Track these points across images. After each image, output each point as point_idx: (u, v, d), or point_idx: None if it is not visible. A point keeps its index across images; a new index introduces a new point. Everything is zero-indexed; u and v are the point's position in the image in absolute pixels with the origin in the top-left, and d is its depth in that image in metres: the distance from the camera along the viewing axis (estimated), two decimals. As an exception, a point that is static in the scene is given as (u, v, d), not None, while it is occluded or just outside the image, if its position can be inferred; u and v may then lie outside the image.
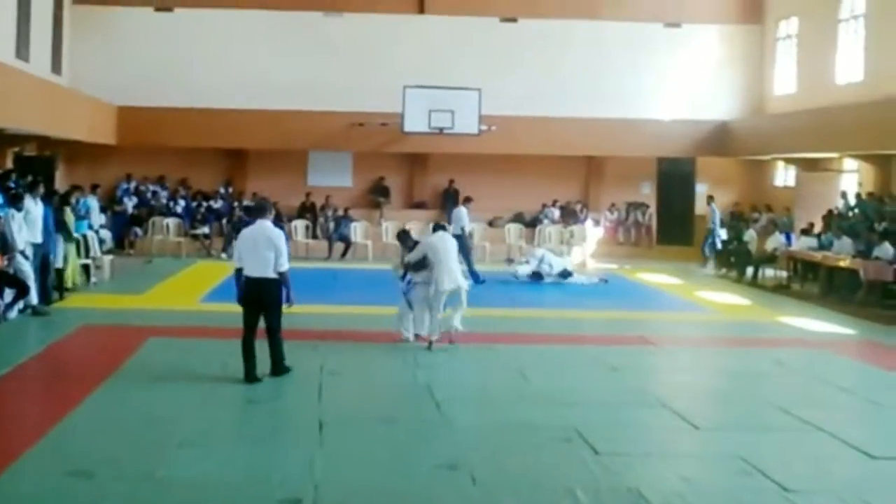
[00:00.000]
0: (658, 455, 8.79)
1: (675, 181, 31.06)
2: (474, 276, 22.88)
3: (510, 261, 23.02)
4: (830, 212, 24.37)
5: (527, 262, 22.97)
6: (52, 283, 16.76)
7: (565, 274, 22.33)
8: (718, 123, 29.87)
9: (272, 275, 11.17)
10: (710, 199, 27.23)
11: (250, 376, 11.16)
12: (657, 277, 24.04)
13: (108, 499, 7.22)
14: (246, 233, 11.46)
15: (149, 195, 28.67)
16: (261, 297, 11.25)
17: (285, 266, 11.23)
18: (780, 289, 22.10)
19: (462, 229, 23.65)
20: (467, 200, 24.60)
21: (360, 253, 27.21)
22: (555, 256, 22.88)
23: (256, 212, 11.78)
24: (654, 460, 8.58)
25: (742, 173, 30.98)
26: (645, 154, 30.18)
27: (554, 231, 28.70)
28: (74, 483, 7.53)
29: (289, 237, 12.77)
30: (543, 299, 20.01)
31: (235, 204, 28.25)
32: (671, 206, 30.87)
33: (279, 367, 11.47)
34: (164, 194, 28.82)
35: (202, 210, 28.08)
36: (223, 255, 26.24)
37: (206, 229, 27.47)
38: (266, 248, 11.12)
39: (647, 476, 8.02)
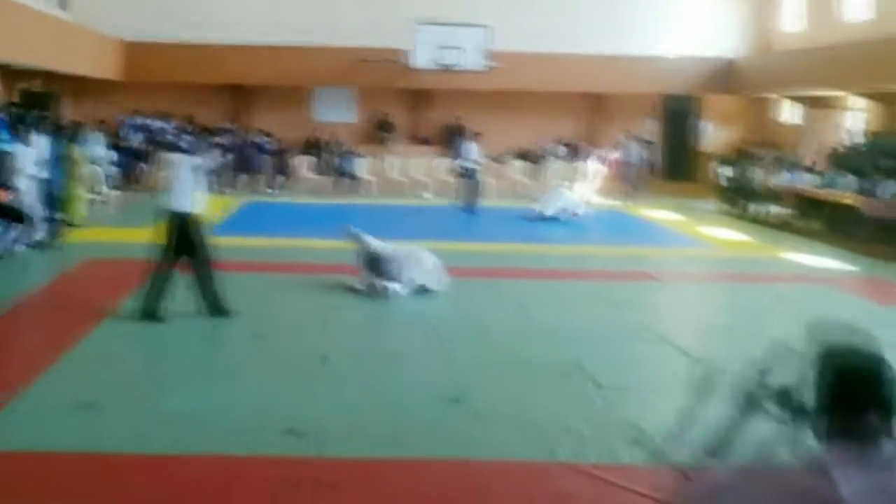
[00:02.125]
0: (659, 389, 8.90)
1: (679, 118, 30.98)
2: (471, 210, 23.04)
3: (531, 200, 22.98)
4: (835, 149, 24.37)
5: (544, 203, 22.68)
6: (59, 217, 16.85)
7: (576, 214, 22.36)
8: (725, 61, 29.72)
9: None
10: (628, 133, 26.60)
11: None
12: (660, 213, 24.10)
13: (113, 430, 7.34)
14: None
15: (155, 130, 28.67)
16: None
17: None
18: (784, 225, 22.16)
19: (471, 164, 23.76)
20: (477, 136, 24.67)
21: (364, 188, 27.27)
22: (570, 197, 22.76)
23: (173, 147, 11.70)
24: (656, 395, 8.68)
25: (748, 111, 30.88)
26: (650, 90, 30.07)
27: (558, 168, 28.68)
28: (81, 414, 7.64)
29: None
30: (546, 235, 20.06)
31: (241, 139, 28.29)
32: (675, 142, 30.84)
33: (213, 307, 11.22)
34: (170, 130, 28.80)
35: (208, 145, 28.02)
36: (228, 190, 26.33)
37: (211, 164, 27.43)
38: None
39: (648, 410, 8.13)
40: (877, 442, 2.70)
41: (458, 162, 24.57)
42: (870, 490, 2.59)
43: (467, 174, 23.90)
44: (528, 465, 6.85)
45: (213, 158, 11.18)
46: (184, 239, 10.95)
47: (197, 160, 11.22)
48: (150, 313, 10.80)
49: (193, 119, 29.26)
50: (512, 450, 7.11)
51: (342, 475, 6.57)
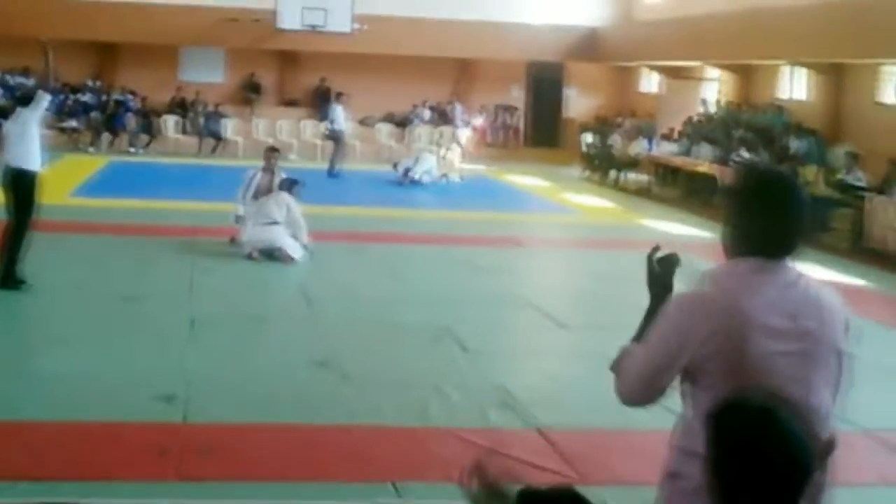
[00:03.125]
0: (524, 353, 9.15)
1: (544, 85, 31.41)
2: (336, 173, 23.03)
3: (396, 164, 23.02)
4: (691, 118, 25.07)
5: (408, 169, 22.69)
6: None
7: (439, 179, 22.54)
8: (588, 29, 30.13)
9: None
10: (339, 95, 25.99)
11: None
12: (525, 179, 24.46)
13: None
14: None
15: (14, 86, 27.86)
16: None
17: None
18: (643, 192, 22.74)
19: (333, 124, 23.73)
20: (339, 96, 24.61)
21: (230, 150, 26.98)
22: (431, 161, 22.87)
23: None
24: (521, 358, 8.93)
25: (610, 79, 31.44)
26: (516, 57, 30.37)
27: (424, 132, 28.83)
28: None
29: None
30: (412, 199, 20.23)
31: (105, 97, 27.76)
32: (540, 109, 31.27)
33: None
34: (30, 85, 28.03)
35: (69, 103, 27.46)
36: (91, 149, 25.85)
37: (74, 122, 26.90)
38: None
39: (513, 373, 8.36)
40: None
41: (325, 124, 24.53)
42: None
43: (333, 136, 23.89)
44: (400, 430, 6.97)
45: (43, 108, 10.56)
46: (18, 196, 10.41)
47: (32, 112, 10.50)
48: (8, 280, 10.37)
49: (41, 72, 28.44)
50: (382, 414, 7.22)
51: (213, 440, 6.60)
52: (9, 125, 10.67)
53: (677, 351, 2.85)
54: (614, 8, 30.72)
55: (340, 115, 23.96)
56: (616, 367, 3.10)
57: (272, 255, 12.66)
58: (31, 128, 10.46)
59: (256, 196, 13.24)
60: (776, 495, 2.17)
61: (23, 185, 10.40)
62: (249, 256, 12.64)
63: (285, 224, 12.82)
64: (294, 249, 12.68)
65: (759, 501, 2.18)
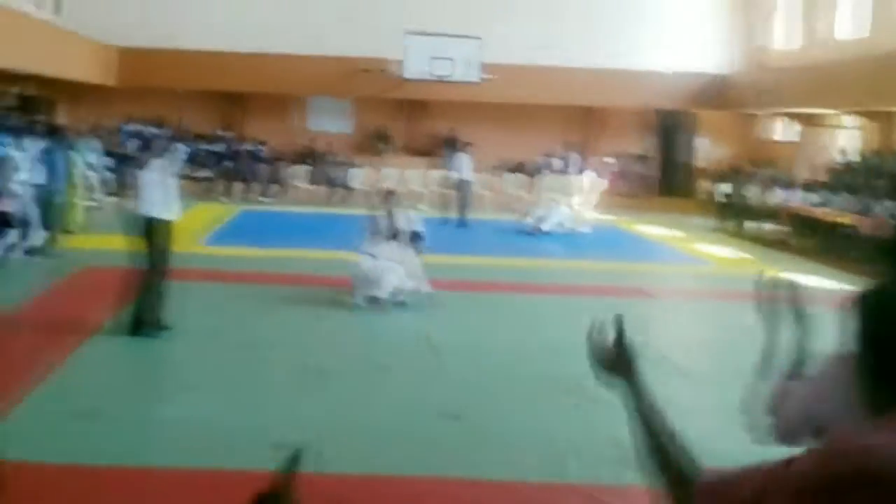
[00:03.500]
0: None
1: (675, 133, 31.02)
2: (463, 223, 23.01)
3: (525, 214, 22.92)
4: (830, 167, 24.40)
5: (539, 218, 22.62)
6: (55, 224, 16.77)
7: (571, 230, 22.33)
8: (718, 76, 29.75)
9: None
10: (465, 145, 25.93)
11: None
12: (656, 230, 24.08)
13: (112, 439, 7.30)
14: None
15: (150, 137, 28.57)
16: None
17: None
18: (779, 244, 22.15)
19: (458, 174, 23.70)
20: (464, 145, 24.63)
21: (358, 199, 27.10)
22: (565, 211, 22.71)
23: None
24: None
25: (741, 127, 30.90)
26: (644, 105, 30.10)
27: (553, 182, 28.59)
28: (80, 424, 7.60)
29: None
30: (540, 249, 20.01)
31: (235, 147, 28.26)
32: (671, 158, 30.87)
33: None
34: (162, 136, 28.73)
35: (202, 153, 28.02)
36: (223, 199, 26.31)
37: (207, 172, 27.40)
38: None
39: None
40: None
41: (449, 174, 24.55)
42: None
43: (458, 186, 23.86)
44: (532, 486, 6.79)
45: (178, 158, 10.76)
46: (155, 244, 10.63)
47: (163, 162, 10.79)
48: (141, 327, 10.53)
49: (186, 125, 29.18)
50: (514, 469, 7.05)
51: (341, 491, 6.48)
52: (144, 174, 10.87)
53: None
54: (743, 54, 30.23)
55: (465, 165, 23.92)
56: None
57: (377, 300, 12.62)
58: (165, 177, 10.64)
59: (376, 240, 13.25)
60: None
61: (156, 233, 10.56)
62: (359, 303, 12.61)
63: (402, 271, 12.77)
64: (399, 293, 12.68)
65: None
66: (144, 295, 10.57)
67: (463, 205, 23.57)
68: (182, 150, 10.89)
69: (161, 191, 10.62)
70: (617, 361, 2.49)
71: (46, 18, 23.97)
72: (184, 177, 26.37)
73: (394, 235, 13.14)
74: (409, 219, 13.72)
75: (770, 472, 1.98)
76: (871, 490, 1.79)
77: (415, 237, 13.23)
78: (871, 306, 2.04)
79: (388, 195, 14.02)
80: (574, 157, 29.16)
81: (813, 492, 1.85)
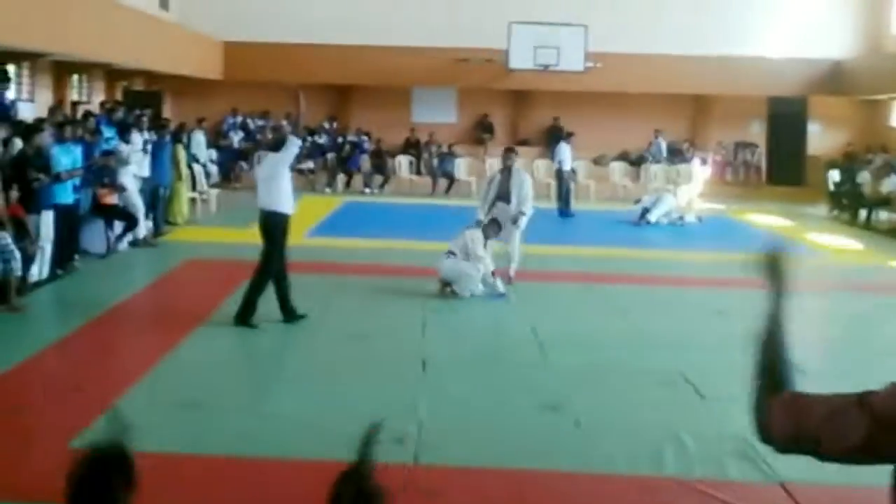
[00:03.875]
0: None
1: (785, 120, 30.33)
2: (565, 213, 22.80)
3: (638, 200, 22.63)
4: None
5: (646, 208, 22.26)
6: (161, 216, 17.04)
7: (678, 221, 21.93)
8: (832, 62, 28.96)
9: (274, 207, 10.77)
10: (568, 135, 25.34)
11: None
12: (766, 219, 23.56)
13: (216, 429, 7.36)
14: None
15: (254, 130, 28.92)
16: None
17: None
18: (893, 232, 21.50)
19: (560, 164, 23.47)
20: (568, 136, 24.38)
21: (463, 189, 27.04)
22: (673, 202, 22.31)
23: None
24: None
25: (856, 113, 30.10)
26: (754, 93, 29.48)
27: (660, 170, 28.20)
28: (184, 413, 7.69)
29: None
30: (646, 240, 19.70)
31: (340, 139, 28.40)
32: (782, 146, 30.19)
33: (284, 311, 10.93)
34: (282, 129, 29.00)
35: (307, 145, 28.22)
36: (327, 190, 26.47)
37: (310, 164, 27.59)
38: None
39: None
40: None
41: (553, 164, 24.34)
42: None
43: (560, 176, 23.62)
44: (633, 479, 6.67)
45: (295, 152, 10.86)
46: (268, 237, 10.78)
47: (283, 156, 10.83)
48: (245, 319, 10.65)
49: (291, 117, 29.38)
50: (614, 461, 6.93)
51: (442, 483, 6.48)
52: (259, 169, 11.11)
53: None
54: (861, 39, 29.43)
55: (567, 155, 23.67)
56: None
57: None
58: (281, 171, 10.73)
59: (496, 200, 13.49)
60: None
61: (273, 226, 10.68)
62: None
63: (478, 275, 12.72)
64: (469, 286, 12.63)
65: None
66: (256, 286, 10.67)
67: (565, 195, 23.34)
68: (298, 144, 10.88)
69: (277, 185, 10.72)
70: (775, 270, 2.65)
71: (153, 13, 24.32)
72: (290, 169, 26.83)
73: (505, 196, 13.23)
74: (524, 185, 13.75)
75: (845, 400, 2.24)
76: None
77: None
78: None
79: (509, 152, 14.16)
80: (683, 146, 28.67)
81: (888, 418, 2.10)
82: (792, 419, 2.35)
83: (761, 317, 2.54)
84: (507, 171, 13.85)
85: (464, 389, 8.69)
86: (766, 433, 2.42)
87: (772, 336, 2.54)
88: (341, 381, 8.86)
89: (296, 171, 26.64)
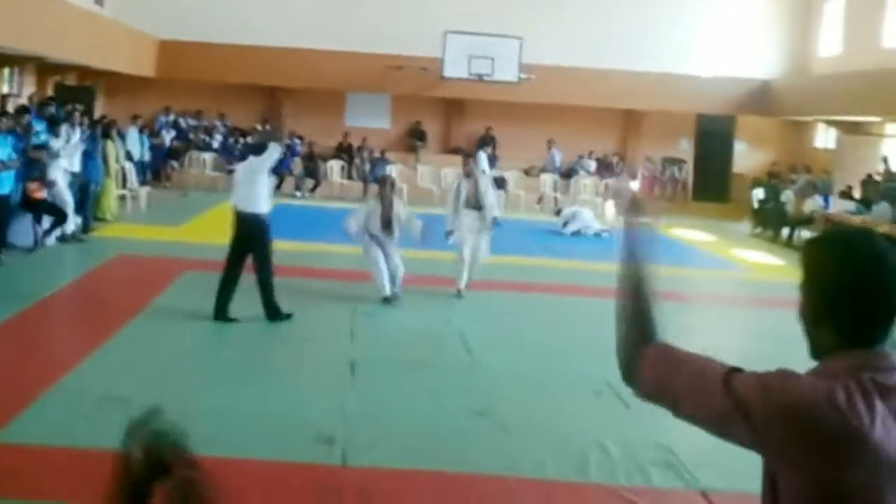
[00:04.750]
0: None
1: (713, 138, 30.81)
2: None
3: (558, 212, 22.94)
4: (870, 176, 24.18)
5: (567, 221, 22.63)
6: (89, 211, 16.90)
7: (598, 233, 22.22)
8: (760, 82, 29.52)
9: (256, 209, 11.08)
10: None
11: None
12: (691, 234, 23.92)
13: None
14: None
15: (186, 129, 28.76)
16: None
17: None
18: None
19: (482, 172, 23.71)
20: (483, 145, 24.61)
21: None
22: (591, 216, 22.66)
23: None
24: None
25: (782, 133, 30.72)
26: (684, 109, 29.93)
27: (589, 183, 28.55)
28: (107, 407, 7.60)
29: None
30: (573, 251, 19.91)
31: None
32: (709, 163, 30.66)
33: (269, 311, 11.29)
34: (201, 128, 28.91)
35: (239, 146, 28.12)
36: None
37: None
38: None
39: (677, 432, 8.00)
40: None
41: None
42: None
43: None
44: (558, 484, 6.79)
45: (276, 157, 11.17)
46: (247, 239, 11.07)
47: (264, 160, 11.11)
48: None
49: (226, 118, 29.32)
50: (541, 467, 7.05)
51: (372, 484, 6.55)
52: (239, 171, 11.41)
53: None
54: (788, 61, 30.03)
55: (483, 164, 23.86)
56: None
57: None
58: (259, 175, 11.03)
59: (465, 209, 13.67)
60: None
61: (259, 231, 11.10)
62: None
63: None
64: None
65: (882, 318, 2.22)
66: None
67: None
68: (279, 150, 11.09)
69: (255, 187, 11.03)
70: (639, 207, 2.66)
71: (87, 8, 24.08)
72: (218, 170, 26.72)
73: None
74: (489, 192, 13.99)
75: (713, 371, 2.34)
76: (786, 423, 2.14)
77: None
78: (815, 253, 2.35)
79: (468, 158, 14.42)
80: (612, 160, 29.05)
81: (746, 407, 2.20)
82: (660, 373, 2.43)
83: (626, 259, 2.58)
84: (472, 178, 13.89)
85: (393, 392, 8.77)
86: (631, 379, 2.52)
87: (639, 282, 2.59)
88: (269, 382, 8.88)
89: (226, 171, 26.72)
